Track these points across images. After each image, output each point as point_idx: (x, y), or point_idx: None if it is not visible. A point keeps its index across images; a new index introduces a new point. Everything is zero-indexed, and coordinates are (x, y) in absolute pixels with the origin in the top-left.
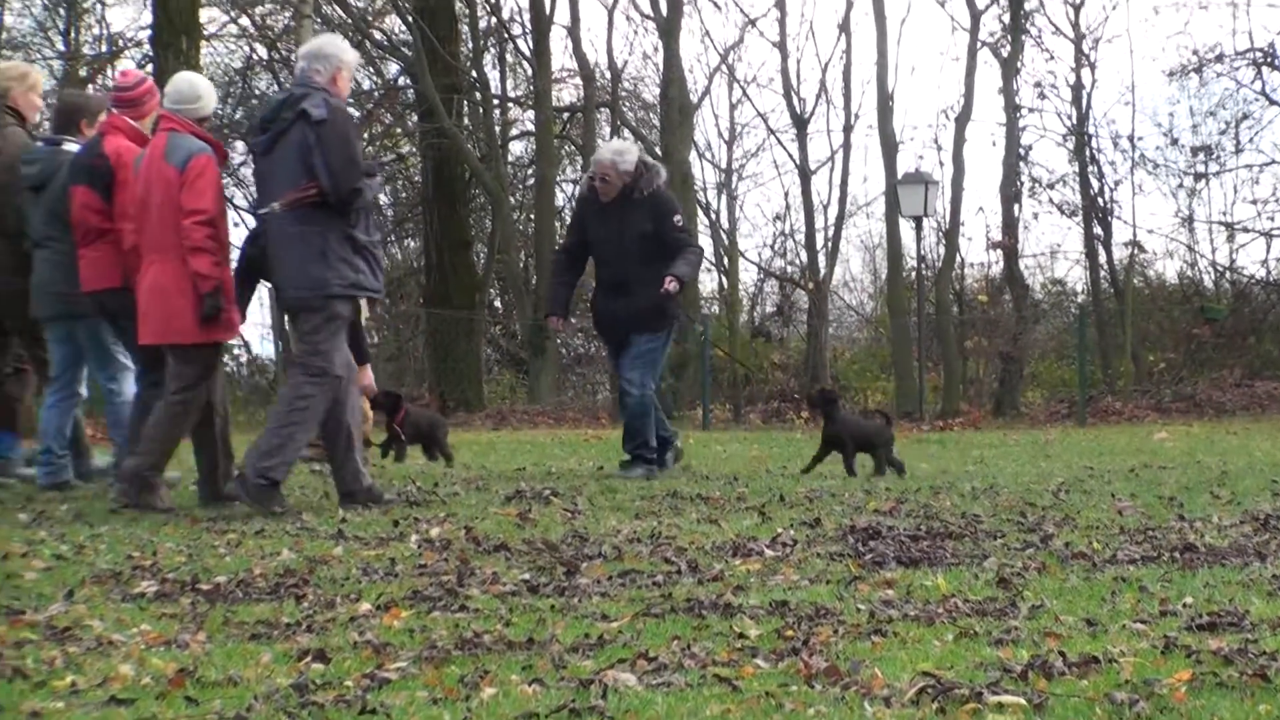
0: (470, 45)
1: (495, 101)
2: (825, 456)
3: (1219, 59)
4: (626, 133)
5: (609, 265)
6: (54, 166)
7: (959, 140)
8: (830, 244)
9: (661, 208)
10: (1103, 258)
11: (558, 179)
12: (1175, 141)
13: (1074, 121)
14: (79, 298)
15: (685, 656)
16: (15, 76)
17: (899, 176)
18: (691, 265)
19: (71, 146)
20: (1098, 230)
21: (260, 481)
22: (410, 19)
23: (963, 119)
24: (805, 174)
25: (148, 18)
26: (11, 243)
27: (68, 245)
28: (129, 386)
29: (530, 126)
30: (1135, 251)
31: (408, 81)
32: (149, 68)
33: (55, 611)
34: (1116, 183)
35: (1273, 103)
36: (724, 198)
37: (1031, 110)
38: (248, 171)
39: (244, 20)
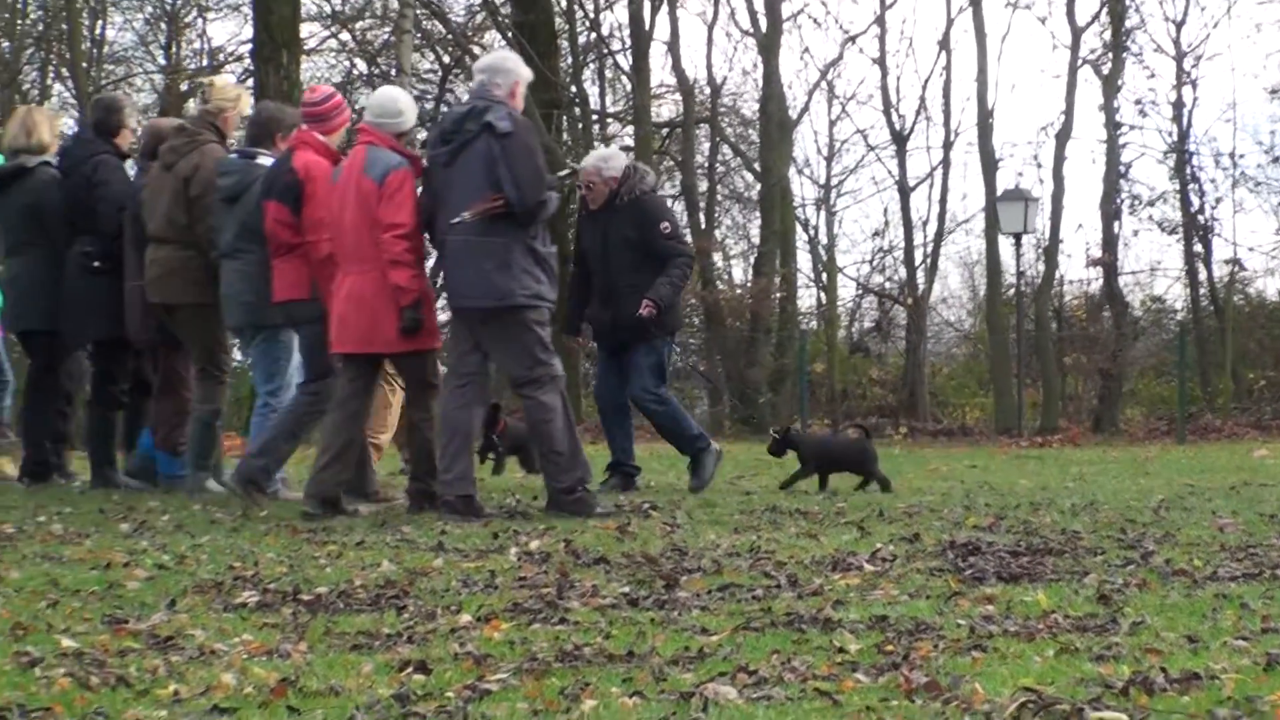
0: (570, 61)
1: (594, 117)
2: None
3: None
4: (608, 146)
5: (597, 274)
6: (248, 179)
7: (1059, 157)
8: (929, 260)
9: (646, 214)
10: (1203, 275)
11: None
12: (1277, 159)
13: (1174, 139)
14: (266, 308)
15: (785, 670)
16: (230, 98)
17: (999, 193)
18: (674, 283)
19: (265, 160)
20: (1198, 247)
21: (568, 499)
22: (510, 34)
23: (1063, 136)
24: (904, 190)
25: (249, 32)
26: (201, 256)
27: (258, 256)
28: (289, 399)
29: (629, 142)
30: (1235, 269)
31: None
32: (249, 82)
33: (158, 621)
34: (1217, 200)
35: None
36: (823, 214)
37: (1132, 127)
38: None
39: (344, 35)
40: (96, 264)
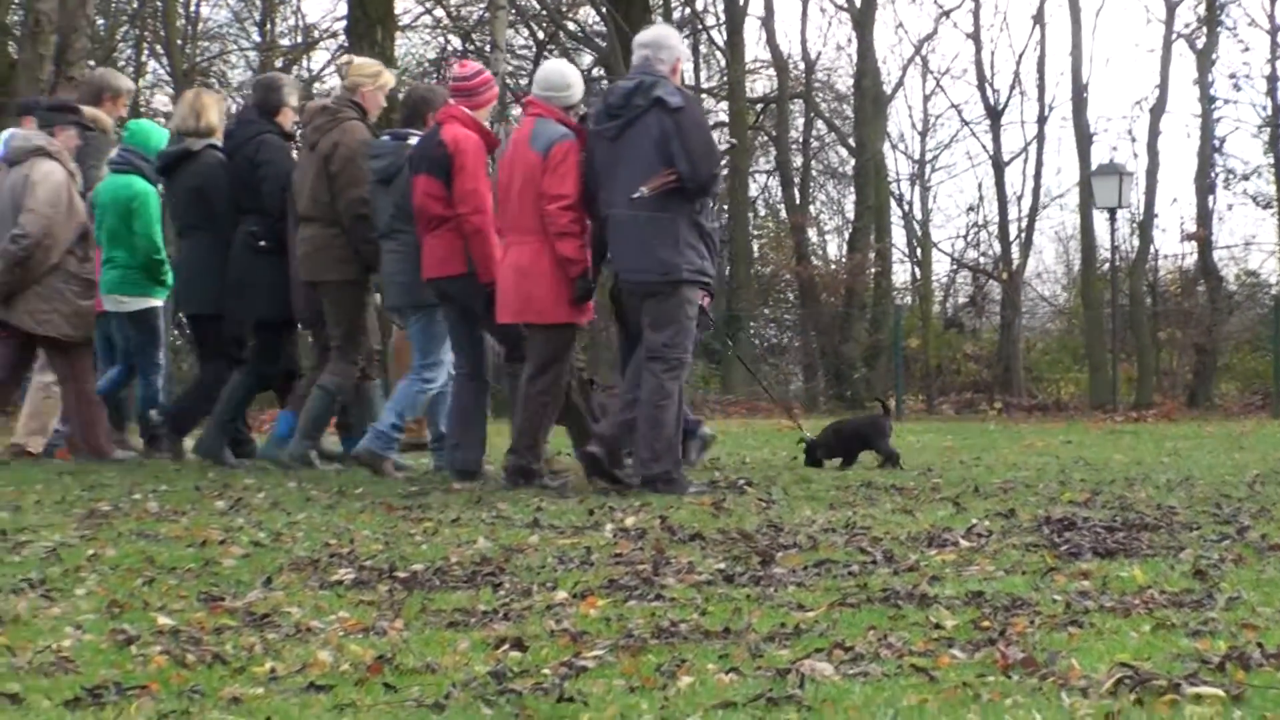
0: None
1: (689, 91)
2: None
3: None
4: None
5: None
6: (401, 160)
7: (1153, 132)
8: (1023, 235)
9: None
10: None
11: (751, 170)
12: None
13: (1268, 113)
14: (423, 289)
15: (882, 646)
16: (369, 74)
17: (1093, 168)
18: None
19: (416, 140)
20: None
21: (662, 483)
22: (604, 10)
23: (1157, 110)
24: (999, 165)
25: (343, 9)
26: (345, 234)
27: (413, 238)
28: (441, 378)
29: (724, 118)
30: None
31: (602, 72)
32: (343, 58)
33: (254, 598)
34: None
35: None
36: (917, 189)
37: (1226, 101)
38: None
39: (438, 11)
40: (262, 244)
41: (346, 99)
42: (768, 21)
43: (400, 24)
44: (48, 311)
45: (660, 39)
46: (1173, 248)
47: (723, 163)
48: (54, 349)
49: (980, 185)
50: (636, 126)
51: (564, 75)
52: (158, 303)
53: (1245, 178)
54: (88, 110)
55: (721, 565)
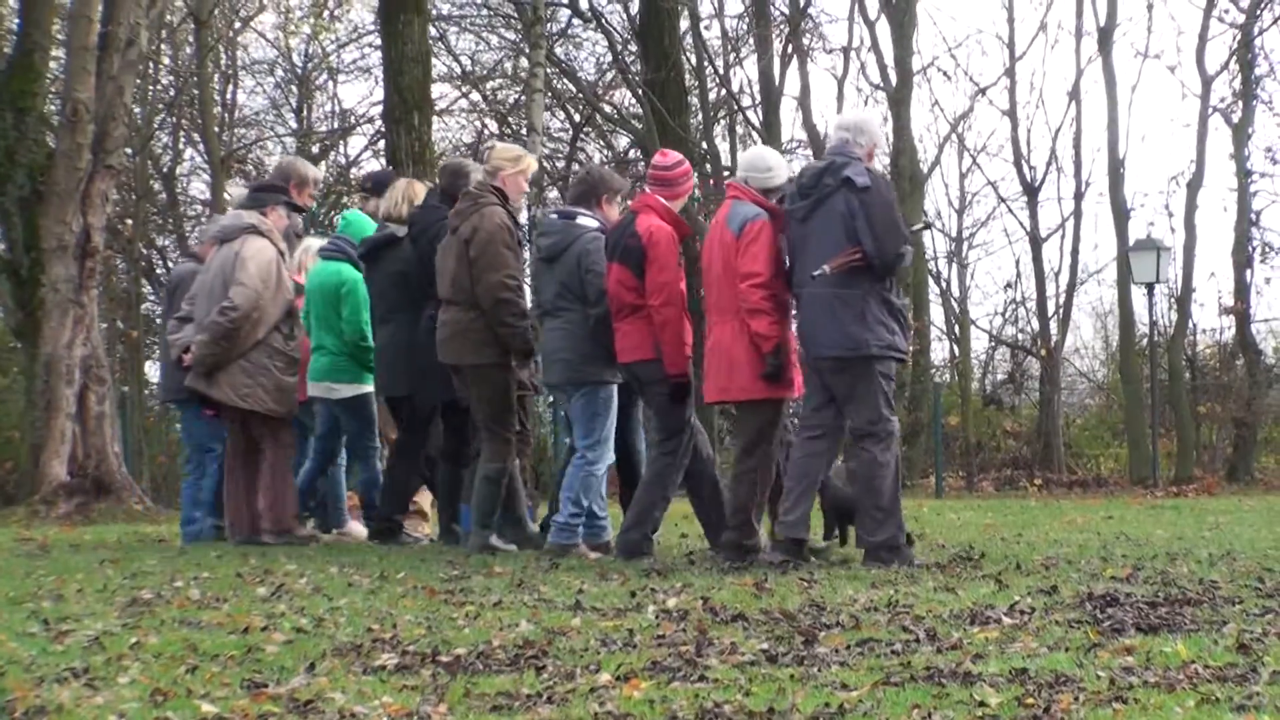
0: (700, 117)
1: (725, 173)
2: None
3: None
4: None
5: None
6: (568, 239)
7: (1190, 206)
8: (1061, 311)
9: None
10: None
11: None
12: None
13: None
14: (586, 366)
15: None
16: (509, 158)
17: (1131, 243)
18: None
19: (585, 220)
20: None
21: (886, 550)
22: (640, 92)
23: (1194, 185)
24: (1036, 241)
25: (380, 94)
26: (484, 317)
27: (578, 315)
28: (607, 456)
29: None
30: None
31: (638, 154)
32: (380, 144)
33: (297, 684)
34: None
35: None
36: (954, 266)
37: (1263, 175)
38: None
39: (475, 95)
40: None
41: (488, 184)
42: (804, 101)
43: (437, 108)
44: (251, 386)
45: (861, 123)
46: (1211, 322)
47: (912, 243)
48: (254, 423)
49: (1018, 262)
50: (825, 205)
51: (765, 159)
52: (369, 388)
53: None
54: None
55: (765, 645)
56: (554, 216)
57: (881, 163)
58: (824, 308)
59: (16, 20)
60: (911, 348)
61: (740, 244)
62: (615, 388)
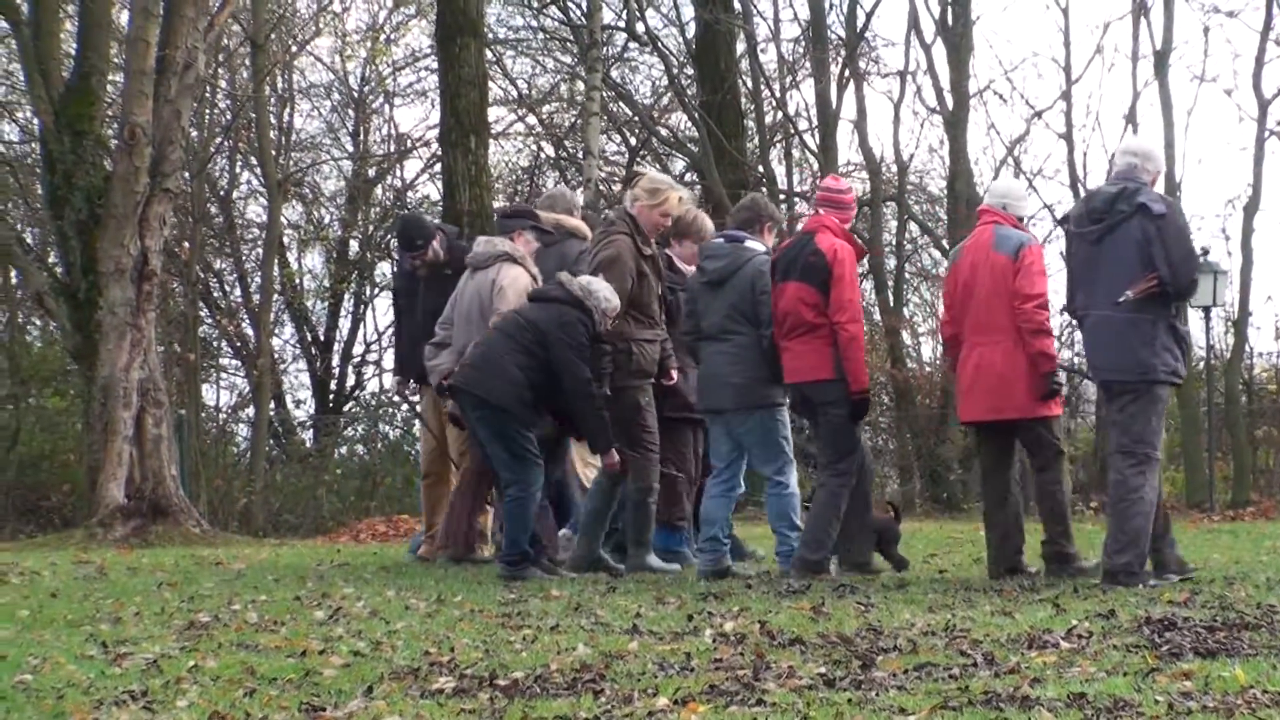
0: (756, 141)
1: (782, 196)
2: None
3: None
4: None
5: None
6: (738, 262)
7: (1247, 229)
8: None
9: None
10: None
11: None
12: None
13: None
14: (756, 389)
15: None
16: (647, 190)
17: None
18: None
19: (753, 244)
20: None
21: (1123, 575)
22: (696, 115)
23: (1251, 208)
24: None
25: (436, 117)
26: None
27: (747, 339)
28: (794, 479)
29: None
30: None
31: (694, 177)
32: (436, 167)
33: (355, 708)
34: None
35: None
36: None
37: None
38: None
39: (531, 119)
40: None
41: (624, 212)
42: (860, 125)
43: (494, 132)
44: None
45: (1149, 150)
46: (1268, 345)
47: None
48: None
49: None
50: (1119, 231)
51: (1019, 188)
52: None
53: None
54: (567, 221)
55: (822, 669)
56: (720, 241)
57: (938, 186)
58: (1113, 331)
59: (74, 45)
60: None
61: (1019, 266)
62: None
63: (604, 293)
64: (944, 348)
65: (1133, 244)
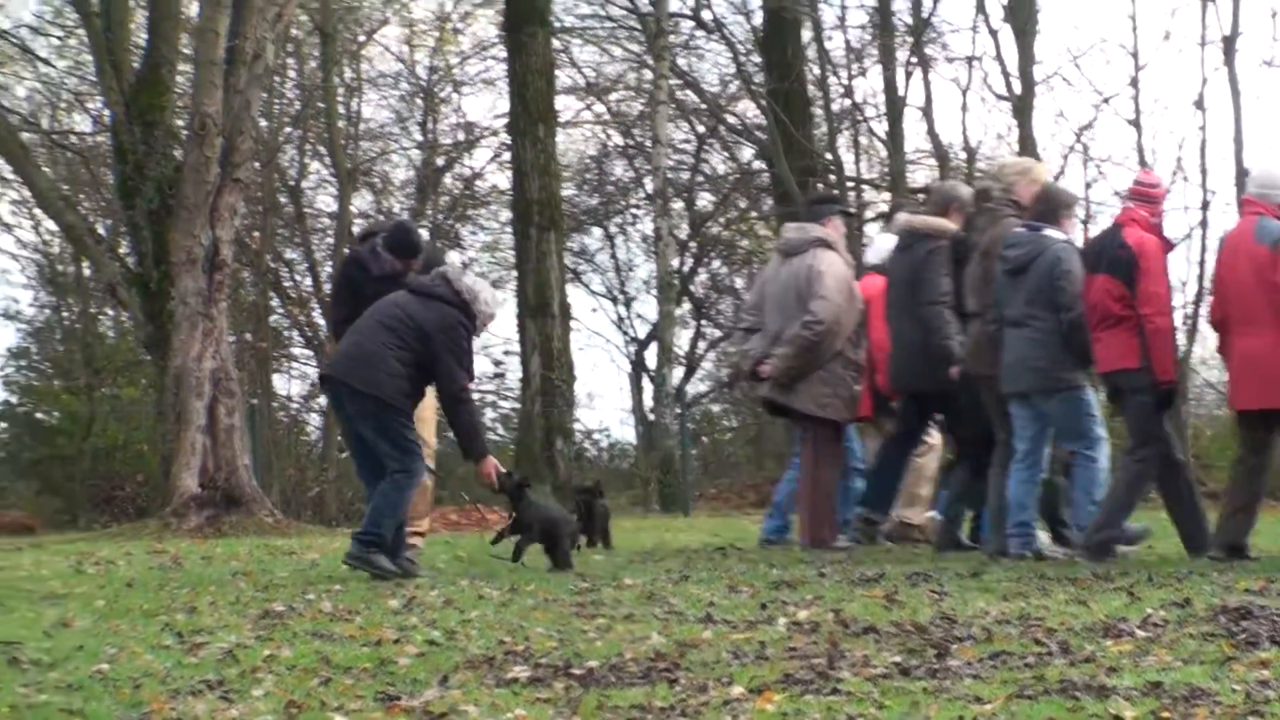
0: (824, 128)
1: (849, 183)
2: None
3: None
4: None
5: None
6: (1038, 249)
7: None
8: (1189, 322)
9: None
10: None
11: None
12: None
13: None
14: (1059, 373)
15: None
16: (1019, 171)
17: None
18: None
19: (1051, 233)
20: None
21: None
22: (764, 103)
23: None
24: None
25: (504, 106)
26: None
27: (1048, 324)
28: (1105, 450)
29: (885, 208)
30: None
31: (762, 165)
32: (505, 156)
33: (430, 697)
34: None
35: None
36: None
37: None
38: None
39: (599, 107)
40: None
41: (1005, 199)
42: (928, 112)
43: (561, 120)
44: (830, 396)
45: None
46: None
47: None
48: (817, 433)
49: None
50: None
51: (1277, 176)
52: None
53: None
54: (933, 221)
55: (897, 658)
56: (1021, 230)
57: None
58: None
59: (145, 35)
60: None
61: (1277, 258)
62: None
63: (486, 296)
64: (1215, 332)
65: None
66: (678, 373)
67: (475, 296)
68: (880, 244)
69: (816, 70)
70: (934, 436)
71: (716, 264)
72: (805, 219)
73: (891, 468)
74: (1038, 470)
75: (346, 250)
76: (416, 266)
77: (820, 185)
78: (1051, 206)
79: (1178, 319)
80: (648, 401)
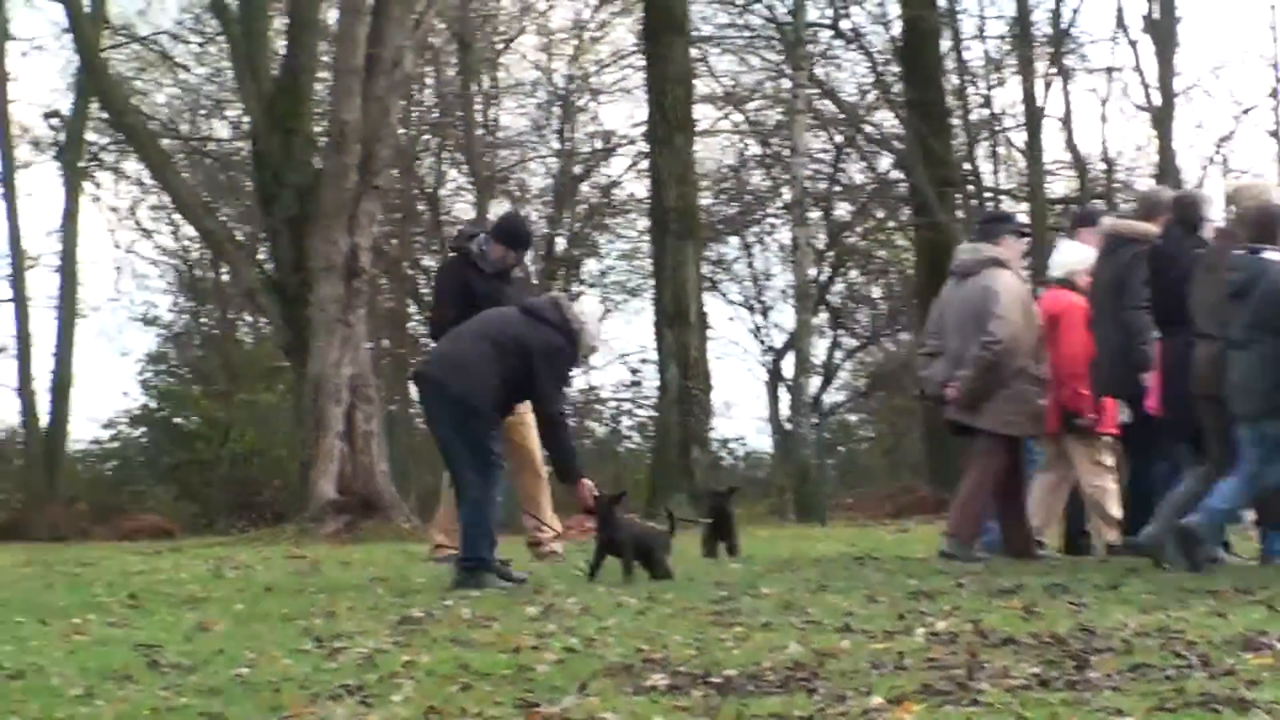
0: (962, 139)
1: (988, 194)
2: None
3: None
4: None
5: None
6: (1255, 273)
7: None
8: None
9: None
10: None
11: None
12: None
13: None
14: (1275, 398)
15: None
16: (1255, 193)
17: None
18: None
19: (1271, 254)
20: None
21: None
22: (902, 113)
23: None
24: None
25: (642, 114)
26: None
27: (1270, 348)
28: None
29: (1024, 219)
30: None
31: (900, 175)
32: (643, 164)
33: (569, 704)
34: None
35: None
36: None
37: None
38: None
39: (736, 116)
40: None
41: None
42: (1067, 122)
43: (699, 129)
44: (1015, 413)
45: None
46: None
47: None
48: (994, 446)
49: None
50: None
51: None
52: None
53: None
54: (1139, 226)
55: (1036, 669)
56: (1240, 253)
57: (1145, 183)
58: None
59: (284, 43)
60: None
61: None
62: None
63: (593, 329)
64: None
65: None
66: (814, 382)
67: (583, 327)
68: (1061, 256)
69: (955, 80)
70: (1109, 458)
71: (854, 273)
72: (978, 239)
73: (1144, 485)
74: (1252, 489)
75: (451, 253)
76: (524, 260)
77: (959, 196)
78: (1269, 229)
79: None
80: (784, 411)
